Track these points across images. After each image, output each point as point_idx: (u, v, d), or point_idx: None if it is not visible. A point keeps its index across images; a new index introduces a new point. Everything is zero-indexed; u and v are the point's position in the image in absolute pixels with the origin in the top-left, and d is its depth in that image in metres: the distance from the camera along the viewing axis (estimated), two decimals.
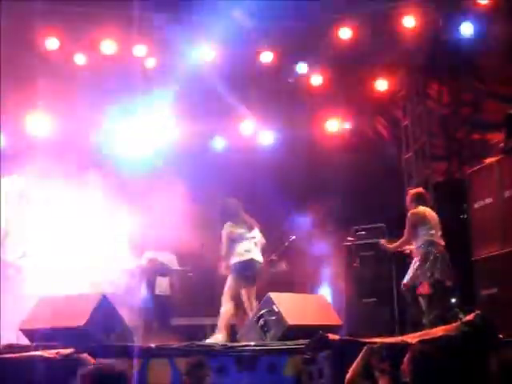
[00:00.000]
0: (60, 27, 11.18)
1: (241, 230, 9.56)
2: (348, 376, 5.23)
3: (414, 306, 9.08)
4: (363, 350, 5.42)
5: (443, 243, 8.98)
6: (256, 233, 9.70)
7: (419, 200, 9.30)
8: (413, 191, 9.62)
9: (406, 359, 4.75)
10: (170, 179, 11.36)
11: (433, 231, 8.98)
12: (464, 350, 6.34)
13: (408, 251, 9.42)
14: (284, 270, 10.79)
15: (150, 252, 11.08)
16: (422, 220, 9.04)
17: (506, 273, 9.27)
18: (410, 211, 9.19)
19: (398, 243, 9.45)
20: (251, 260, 9.41)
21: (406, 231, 9.13)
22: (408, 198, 9.48)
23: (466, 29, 11.27)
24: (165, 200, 10.85)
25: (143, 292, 10.60)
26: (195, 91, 12.14)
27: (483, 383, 5.93)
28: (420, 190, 9.78)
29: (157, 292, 10.73)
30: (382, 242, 9.98)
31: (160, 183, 11.45)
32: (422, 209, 9.18)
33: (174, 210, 10.73)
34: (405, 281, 8.99)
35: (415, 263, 8.91)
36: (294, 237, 10.73)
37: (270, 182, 12.71)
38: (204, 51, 11.84)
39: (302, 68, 12.52)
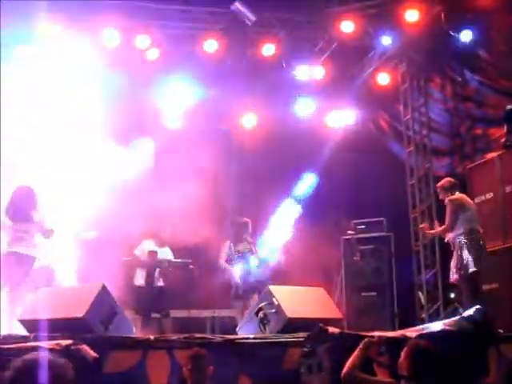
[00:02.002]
0: (62, 16, 11.14)
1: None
2: (345, 369, 5.23)
3: (468, 297, 8.69)
4: (361, 344, 5.42)
5: (482, 230, 8.89)
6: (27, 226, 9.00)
7: (454, 187, 9.12)
8: (443, 181, 9.38)
9: (403, 353, 4.75)
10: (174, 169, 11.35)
11: (473, 218, 8.87)
12: (463, 344, 6.34)
13: (448, 239, 9.14)
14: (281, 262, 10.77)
15: (149, 242, 11.01)
16: (462, 206, 8.88)
17: (507, 267, 9.26)
18: (449, 198, 8.99)
19: (439, 230, 9.20)
20: (14, 253, 8.75)
21: (447, 219, 8.91)
22: (440, 189, 9.28)
23: (469, 22, 11.26)
24: (166, 191, 10.86)
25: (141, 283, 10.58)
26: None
27: (482, 378, 5.93)
28: (450, 178, 9.46)
29: (156, 284, 10.72)
30: (423, 225, 9.82)
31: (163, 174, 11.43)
32: (460, 195, 9.07)
33: (177, 200, 10.73)
34: (455, 275, 8.78)
35: (460, 253, 8.71)
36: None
37: (270, 173, 12.72)
38: (207, 43, 11.85)
39: (303, 61, 12.52)
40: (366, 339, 5.50)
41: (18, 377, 3.26)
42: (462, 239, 8.69)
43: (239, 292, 10.33)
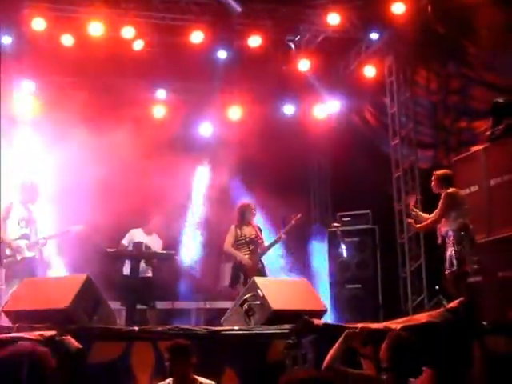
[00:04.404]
0: (47, 7, 11.07)
1: None
2: (325, 362, 5.21)
3: (456, 293, 8.42)
4: (342, 335, 5.41)
5: (472, 226, 8.78)
6: None
7: (450, 181, 8.96)
8: (440, 172, 9.15)
9: (383, 345, 4.76)
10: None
11: (467, 213, 8.75)
12: (447, 337, 6.37)
13: (442, 233, 8.92)
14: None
15: (137, 230, 10.92)
16: (458, 201, 8.74)
17: (491, 261, 9.29)
18: (447, 191, 8.77)
19: (426, 223, 9.09)
20: None
21: (438, 211, 8.77)
22: (435, 180, 9.14)
23: (455, 15, 11.26)
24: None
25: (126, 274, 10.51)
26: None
27: (465, 369, 5.97)
28: (447, 171, 9.30)
29: (144, 274, 10.65)
30: (410, 221, 9.74)
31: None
32: (457, 190, 8.92)
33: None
34: (447, 270, 8.75)
35: (452, 248, 8.56)
36: (299, 215, 10.53)
37: (257, 166, 12.71)
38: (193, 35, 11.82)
39: (289, 53, 12.52)
40: (346, 331, 5.50)
41: None
42: (459, 233, 8.61)
43: (247, 278, 10.15)
